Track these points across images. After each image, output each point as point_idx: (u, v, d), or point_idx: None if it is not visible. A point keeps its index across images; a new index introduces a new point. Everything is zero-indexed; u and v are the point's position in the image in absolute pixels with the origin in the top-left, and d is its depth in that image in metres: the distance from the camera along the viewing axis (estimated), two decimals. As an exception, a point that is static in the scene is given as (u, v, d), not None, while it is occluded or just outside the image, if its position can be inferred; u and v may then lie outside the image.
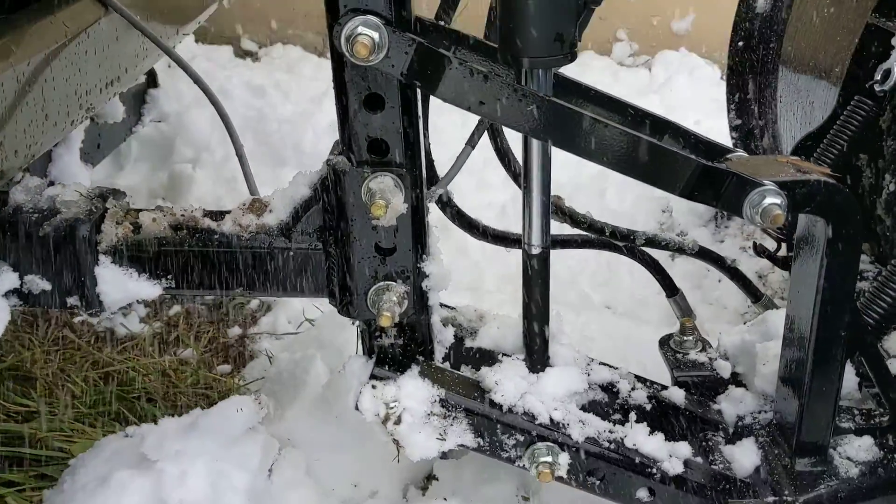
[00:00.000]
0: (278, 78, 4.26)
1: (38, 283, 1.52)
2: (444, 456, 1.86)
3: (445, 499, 1.70)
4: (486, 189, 3.28)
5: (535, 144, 1.47)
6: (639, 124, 1.60)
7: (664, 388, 1.84)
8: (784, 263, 2.41)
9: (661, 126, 1.60)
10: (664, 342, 2.02)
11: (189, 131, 3.68)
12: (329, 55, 1.39)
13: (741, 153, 1.58)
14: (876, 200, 2.40)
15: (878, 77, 2.24)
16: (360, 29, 1.31)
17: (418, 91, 1.45)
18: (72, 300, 1.54)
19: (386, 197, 1.39)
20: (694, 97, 4.16)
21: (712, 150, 1.57)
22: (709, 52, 4.88)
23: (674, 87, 4.62)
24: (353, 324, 1.59)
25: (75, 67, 1.70)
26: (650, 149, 1.40)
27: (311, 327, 2.54)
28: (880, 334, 1.84)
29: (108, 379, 2.38)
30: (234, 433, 1.77)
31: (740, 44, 3.34)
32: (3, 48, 1.54)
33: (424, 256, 1.54)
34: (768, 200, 1.40)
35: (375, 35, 1.31)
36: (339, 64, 1.38)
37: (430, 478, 1.86)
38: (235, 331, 2.71)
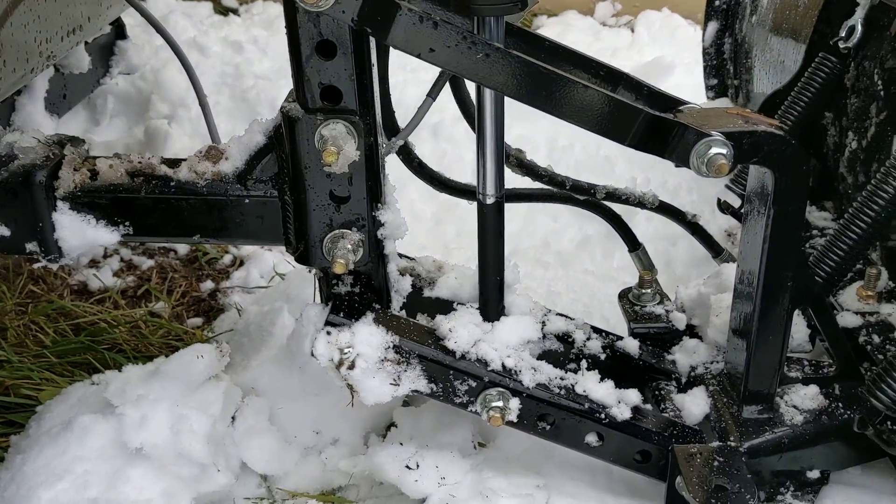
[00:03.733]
0: (256, 34, 4.24)
1: (-3, 229, 1.54)
2: (405, 403, 1.91)
3: (402, 444, 1.74)
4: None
5: (488, 94, 1.48)
6: (593, 76, 1.61)
7: (619, 338, 1.88)
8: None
9: (616, 77, 1.62)
10: (623, 295, 2.06)
11: (165, 88, 3.67)
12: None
13: (693, 104, 1.60)
14: (839, 159, 2.42)
15: (842, 34, 2.25)
16: (310, -25, 1.31)
17: (371, 38, 1.46)
18: (30, 246, 1.55)
19: (338, 144, 1.41)
20: (676, 56, 4.15)
21: (664, 101, 1.59)
22: (691, 12, 4.87)
23: (655, 47, 4.61)
24: (309, 272, 1.62)
25: (34, 14, 1.70)
26: (599, 99, 1.41)
27: (281, 281, 2.57)
28: (830, 288, 1.88)
29: (79, 330, 2.40)
30: (196, 380, 1.79)
31: (716, 3, 3.35)
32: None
33: (379, 205, 1.56)
34: (714, 150, 1.42)
35: (325, -19, 1.31)
36: (291, 10, 1.39)
37: (391, 426, 1.90)
38: (208, 285, 2.74)
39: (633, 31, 5.02)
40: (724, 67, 3.44)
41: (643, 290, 2.01)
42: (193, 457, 1.67)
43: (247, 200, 1.54)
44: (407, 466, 1.70)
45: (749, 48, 3.18)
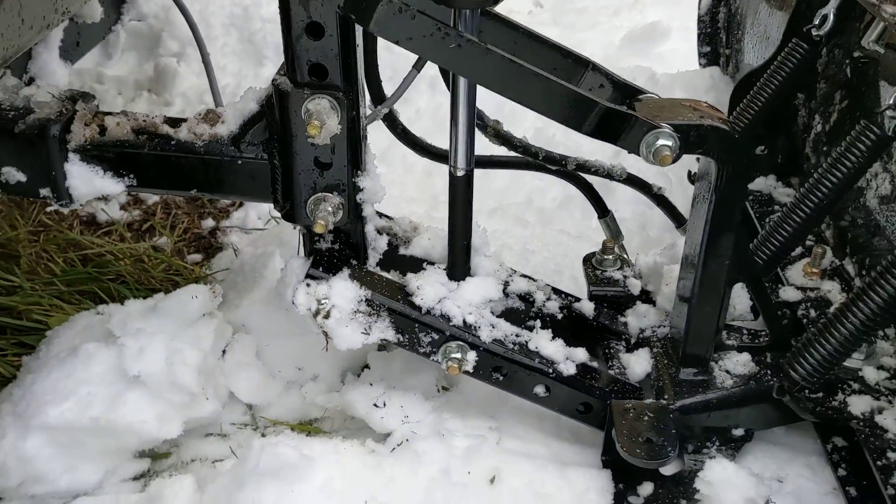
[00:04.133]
0: (265, -24, 4.32)
1: (15, 175, 1.71)
2: (379, 348, 2.10)
3: (371, 384, 1.94)
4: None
5: (462, 78, 1.63)
6: (562, 63, 1.75)
7: (577, 300, 2.06)
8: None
9: (583, 65, 1.76)
10: (587, 259, 2.23)
11: (174, 26, 3.79)
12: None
13: (652, 95, 1.74)
14: (806, 139, 2.56)
15: (816, 21, 2.36)
16: (302, -37, 1.45)
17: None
18: (44, 192, 1.73)
19: (321, 118, 1.56)
20: (674, 20, 4.22)
21: (626, 90, 1.73)
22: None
23: (657, 8, 4.67)
24: (294, 228, 1.79)
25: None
26: (560, 90, 1.56)
27: (276, 225, 2.74)
28: (774, 265, 2.04)
29: (87, 261, 2.59)
30: (191, 317, 1.99)
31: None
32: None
33: (360, 172, 1.73)
34: (661, 142, 1.57)
35: (315, -30, 1.45)
36: (284, -6, 1.52)
37: (365, 367, 2.10)
38: (209, 223, 2.92)
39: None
40: (717, 36, 3.53)
41: (605, 256, 2.17)
42: (185, 385, 1.88)
43: (239, 161, 1.70)
44: (375, 405, 1.90)
45: (742, 19, 3.28)
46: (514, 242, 2.68)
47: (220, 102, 2.02)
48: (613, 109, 1.57)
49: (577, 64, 1.74)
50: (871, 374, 1.86)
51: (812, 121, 2.51)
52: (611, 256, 2.17)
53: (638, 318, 2.05)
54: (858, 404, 1.77)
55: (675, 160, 1.58)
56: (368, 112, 1.81)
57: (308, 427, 2.03)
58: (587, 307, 2.03)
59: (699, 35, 3.55)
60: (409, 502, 1.69)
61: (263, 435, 2.00)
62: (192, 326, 1.98)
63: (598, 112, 1.56)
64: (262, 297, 2.24)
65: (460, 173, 1.73)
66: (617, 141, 1.60)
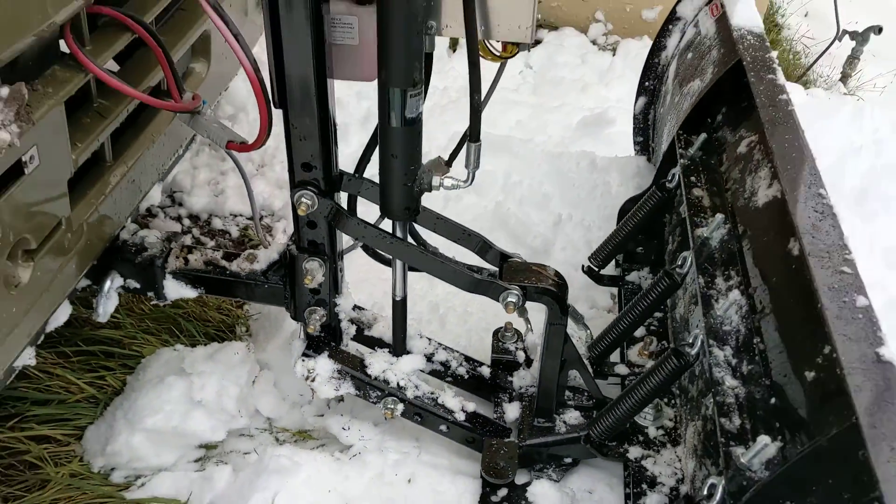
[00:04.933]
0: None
1: (133, 284, 2.88)
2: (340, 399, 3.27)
3: (342, 414, 3.12)
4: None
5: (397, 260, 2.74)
6: (463, 236, 2.85)
7: (480, 364, 3.19)
8: (602, 281, 3.67)
9: (476, 239, 2.85)
10: (495, 333, 3.34)
11: (230, 92, 4.89)
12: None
13: (516, 258, 2.83)
14: (665, 249, 3.62)
15: (669, 177, 3.40)
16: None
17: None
18: (150, 294, 2.90)
19: (312, 273, 2.70)
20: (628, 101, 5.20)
21: (499, 255, 2.83)
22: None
23: (625, 79, 5.65)
24: (297, 323, 2.95)
25: (157, 152, 2.98)
26: (452, 268, 2.66)
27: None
28: (603, 358, 3.13)
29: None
30: (234, 363, 3.17)
31: (646, 83, 4.41)
32: (119, 158, 2.81)
33: (338, 294, 2.86)
34: (510, 298, 2.67)
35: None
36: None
37: (341, 399, 3.27)
38: (249, 267, 4.08)
39: (614, 54, 6.03)
40: (647, 131, 4.55)
41: (507, 332, 3.30)
42: (228, 409, 3.07)
43: (266, 285, 2.85)
44: (343, 427, 3.07)
45: (661, 127, 4.30)
46: (458, 304, 3.80)
47: (260, 235, 3.17)
48: (483, 280, 2.68)
49: (473, 236, 2.84)
50: (652, 432, 2.97)
51: (666, 240, 3.58)
52: (510, 332, 3.29)
53: (519, 379, 3.18)
54: (634, 452, 2.90)
55: (517, 308, 2.69)
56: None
57: (305, 434, 3.22)
58: (486, 371, 3.16)
59: (634, 129, 4.57)
60: (355, 492, 2.86)
61: (276, 438, 3.19)
62: (234, 369, 3.16)
63: (474, 280, 2.67)
64: (280, 343, 3.41)
65: (398, 298, 2.86)
66: (487, 295, 2.71)
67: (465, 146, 2.47)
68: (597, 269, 3.62)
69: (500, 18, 2.22)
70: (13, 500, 2.90)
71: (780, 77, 3.18)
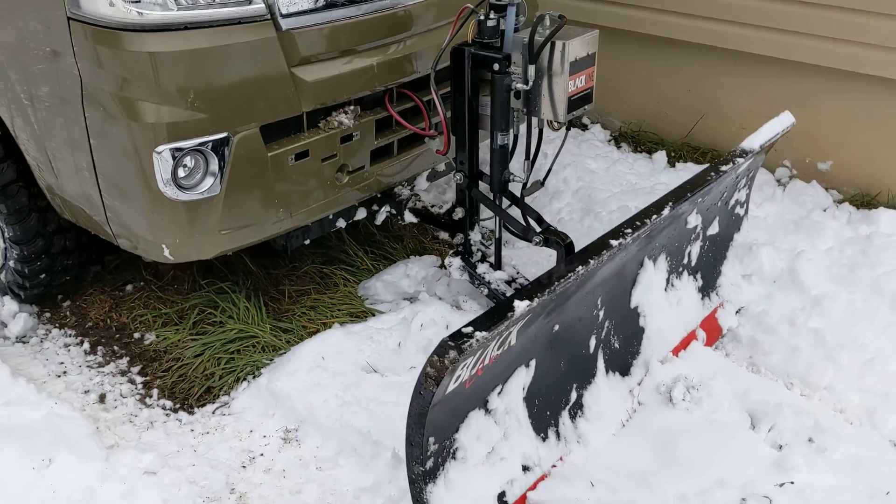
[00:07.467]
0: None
1: (392, 211, 6.41)
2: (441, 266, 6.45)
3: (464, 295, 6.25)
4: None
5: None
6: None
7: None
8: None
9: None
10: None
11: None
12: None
13: (551, 228, 5.76)
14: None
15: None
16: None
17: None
18: (399, 218, 6.41)
19: (458, 214, 5.97)
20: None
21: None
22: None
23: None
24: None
25: (420, 158, 6.54)
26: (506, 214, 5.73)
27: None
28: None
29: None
30: (427, 262, 6.54)
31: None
32: (400, 153, 6.37)
33: (471, 232, 6.08)
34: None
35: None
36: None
37: (441, 266, 6.41)
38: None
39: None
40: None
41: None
42: (418, 280, 6.43)
43: (442, 220, 6.20)
44: (462, 300, 6.24)
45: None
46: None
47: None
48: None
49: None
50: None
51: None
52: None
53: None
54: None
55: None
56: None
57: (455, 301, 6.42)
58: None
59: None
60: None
61: (440, 298, 6.45)
62: (426, 265, 6.53)
63: (523, 228, 5.73)
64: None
65: (496, 237, 5.98)
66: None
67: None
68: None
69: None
70: (303, 295, 6.52)
71: None
